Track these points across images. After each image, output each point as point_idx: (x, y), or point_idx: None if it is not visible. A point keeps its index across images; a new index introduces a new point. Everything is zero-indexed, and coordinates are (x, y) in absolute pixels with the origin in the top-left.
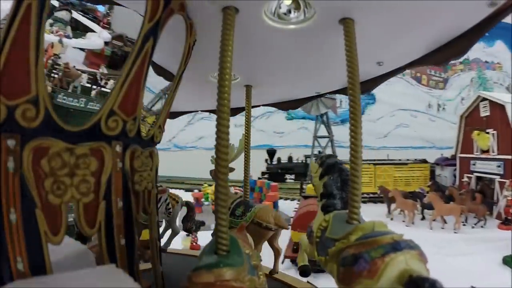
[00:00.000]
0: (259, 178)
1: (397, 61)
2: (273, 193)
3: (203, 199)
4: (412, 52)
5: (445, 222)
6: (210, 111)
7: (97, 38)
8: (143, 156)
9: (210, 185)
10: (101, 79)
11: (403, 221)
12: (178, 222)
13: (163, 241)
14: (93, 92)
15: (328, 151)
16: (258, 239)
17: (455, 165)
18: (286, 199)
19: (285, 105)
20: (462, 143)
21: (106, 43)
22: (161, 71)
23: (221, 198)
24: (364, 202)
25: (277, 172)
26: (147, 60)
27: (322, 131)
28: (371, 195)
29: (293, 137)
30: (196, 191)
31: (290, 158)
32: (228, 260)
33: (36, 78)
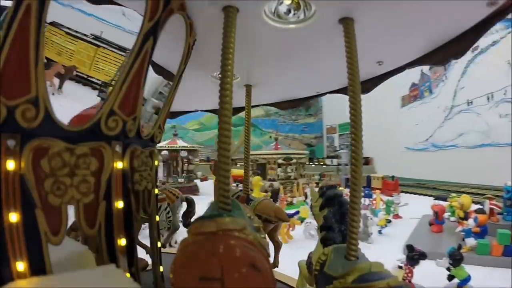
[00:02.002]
0: None
1: (397, 60)
2: None
3: (446, 214)
4: (412, 51)
5: None
6: (211, 111)
7: None
8: (143, 156)
9: (459, 195)
10: None
11: None
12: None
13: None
14: None
15: None
16: None
17: None
18: None
19: (285, 105)
20: None
21: None
22: (161, 71)
23: (223, 168)
24: None
25: None
26: (147, 59)
27: None
28: None
29: None
30: (438, 202)
31: None
32: (231, 213)
33: (36, 78)
